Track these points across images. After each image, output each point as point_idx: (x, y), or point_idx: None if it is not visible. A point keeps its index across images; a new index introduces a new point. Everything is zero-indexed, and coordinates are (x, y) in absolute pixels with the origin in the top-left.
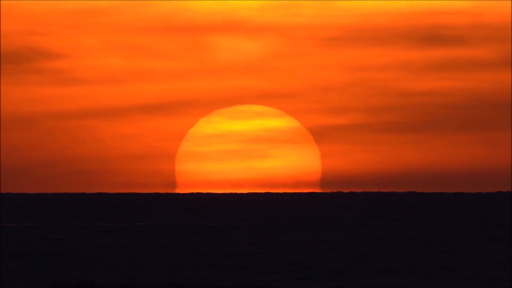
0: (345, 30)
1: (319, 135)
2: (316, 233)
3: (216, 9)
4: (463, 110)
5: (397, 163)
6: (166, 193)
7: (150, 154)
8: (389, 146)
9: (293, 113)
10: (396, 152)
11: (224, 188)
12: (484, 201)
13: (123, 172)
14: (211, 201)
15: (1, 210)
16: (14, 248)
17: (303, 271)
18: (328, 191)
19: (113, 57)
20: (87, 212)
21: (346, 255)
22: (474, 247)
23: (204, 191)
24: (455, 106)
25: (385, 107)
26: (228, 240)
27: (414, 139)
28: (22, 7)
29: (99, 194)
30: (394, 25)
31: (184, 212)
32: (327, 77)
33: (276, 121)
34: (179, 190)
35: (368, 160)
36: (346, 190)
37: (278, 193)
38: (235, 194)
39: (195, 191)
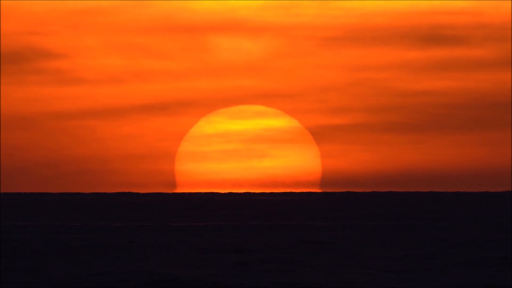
0: (345, 30)
1: (319, 135)
2: (316, 233)
3: (216, 9)
4: (463, 110)
5: (397, 163)
6: (166, 193)
7: (150, 154)
8: (389, 146)
9: (293, 113)
10: (396, 152)
11: (224, 188)
12: (484, 201)
13: (123, 172)
14: (211, 201)
15: (1, 210)
16: (14, 248)
17: (303, 271)
18: (328, 191)
19: (113, 57)
20: (87, 212)
21: (347, 255)
22: (474, 247)
23: (204, 191)
24: (455, 106)
25: (385, 107)
26: (228, 240)
27: (414, 139)
28: (22, 7)
29: (99, 194)
30: (394, 25)
31: (184, 212)
32: (327, 77)
33: (276, 121)
34: (179, 190)
35: (368, 160)
36: (346, 190)
37: (278, 193)
38: (235, 194)
39: (195, 191)
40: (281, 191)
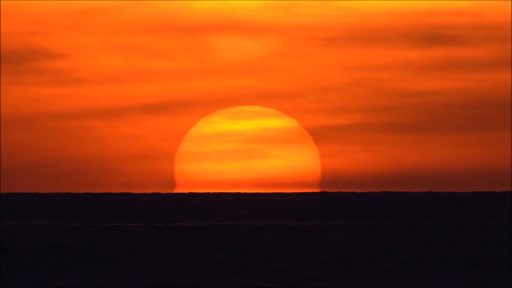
0: (345, 30)
1: (319, 135)
2: (316, 233)
3: (216, 9)
4: (463, 110)
5: (397, 163)
6: (166, 193)
7: (150, 154)
8: (389, 146)
9: (293, 113)
10: (396, 152)
11: (224, 188)
12: (484, 201)
13: (123, 172)
14: (211, 201)
15: (1, 210)
16: (14, 248)
17: (303, 271)
18: (328, 191)
19: (113, 57)
20: (87, 212)
21: (347, 255)
22: (474, 247)
23: (204, 191)
24: (455, 106)
25: (385, 107)
26: (228, 240)
27: (414, 139)
28: (22, 7)
29: (99, 194)
30: (394, 25)
31: (184, 212)
32: (327, 77)
33: (276, 121)
34: (178, 190)
35: (368, 160)
36: (346, 190)
37: (278, 193)
38: (235, 194)
39: (194, 191)
40: (281, 191)
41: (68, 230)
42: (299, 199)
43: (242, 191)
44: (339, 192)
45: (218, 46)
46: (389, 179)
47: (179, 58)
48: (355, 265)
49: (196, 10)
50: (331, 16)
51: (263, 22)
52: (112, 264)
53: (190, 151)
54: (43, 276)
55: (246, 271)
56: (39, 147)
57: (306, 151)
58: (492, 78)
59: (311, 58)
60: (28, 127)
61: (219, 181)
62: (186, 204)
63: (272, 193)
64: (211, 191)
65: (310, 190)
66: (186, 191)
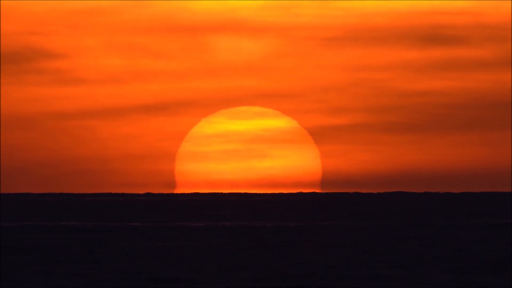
0: (345, 30)
1: (319, 135)
2: (317, 233)
3: (216, 9)
4: (463, 110)
5: (397, 163)
6: (166, 193)
7: (150, 154)
8: (389, 146)
9: (293, 113)
10: (396, 152)
11: (224, 188)
12: (484, 201)
13: (123, 172)
14: (211, 201)
15: (1, 210)
16: (14, 248)
17: (303, 271)
18: (329, 191)
19: (113, 57)
20: (87, 212)
21: (347, 255)
22: (474, 247)
23: (204, 191)
24: (455, 106)
25: (385, 107)
26: (228, 240)
27: (414, 139)
28: (22, 7)
29: (99, 194)
30: (394, 25)
31: (184, 212)
32: (327, 77)
33: (276, 121)
34: (178, 190)
35: (368, 160)
36: (346, 190)
37: (278, 193)
38: (235, 194)
39: (195, 191)
40: (281, 191)
41: (68, 230)
42: (300, 199)
43: (242, 191)
44: (339, 192)
45: (218, 46)
46: (389, 179)
47: (179, 58)
48: (355, 264)
49: (196, 10)
50: (331, 16)
51: (263, 22)
52: (112, 264)
53: (190, 151)
54: (43, 276)
55: (246, 271)
56: (39, 147)
57: (306, 151)
58: (492, 78)
59: (311, 58)
60: (28, 127)
61: (219, 181)
62: (186, 204)
63: (273, 193)
64: (211, 191)
65: (310, 190)
66: (186, 191)
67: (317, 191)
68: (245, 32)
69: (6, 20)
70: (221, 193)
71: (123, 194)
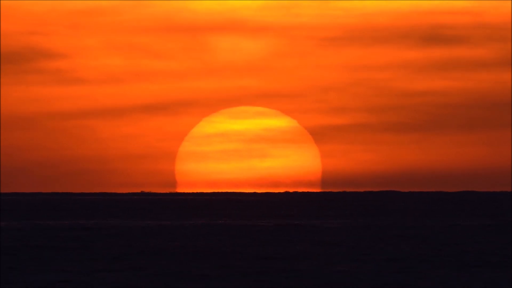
0: (345, 30)
1: (320, 135)
2: (317, 233)
3: (216, 9)
4: (463, 110)
5: (397, 163)
6: (166, 193)
7: (151, 154)
8: (389, 145)
9: (293, 113)
10: (396, 152)
11: (224, 188)
12: (484, 201)
13: (123, 172)
14: (211, 200)
15: (1, 210)
16: (14, 248)
17: (303, 271)
18: (329, 191)
19: (114, 57)
20: (87, 211)
21: (348, 255)
22: (474, 247)
23: (204, 191)
24: (456, 106)
25: (386, 107)
26: (228, 240)
27: (414, 139)
28: (22, 7)
29: (99, 194)
30: (395, 25)
31: (183, 212)
32: (328, 77)
33: (276, 121)
34: (179, 190)
35: (368, 160)
36: (347, 190)
37: (278, 193)
38: (235, 193)
39: (195, 191)
40: (282, 191)
41: (68, 230)
42: (300, 198)
43: (243, 190)
44: (339, 192)
45: (218, 46)
46: (389, 179)
47: (179, 58)
48: (356, 264)
49: (196, 10)
50: (331, 16)
51: (263, 22)
52: (112, 264)
53: (190, 151)
54: (43, 276)
55: (247, 270)
56: (39, 147)
57: (306, 151)
58: (492, 78)
59: (311, 58)
60: (28, 127)
61: (220, 181)
62: (186, 204)
63: (273, 193)
64: (212, 190)
65: (310, 190)
66: (187, 190)
67: (317, 190)
68: (245, 32)
69: (6, 20)
70: (222, 193)
71: (123, 194)
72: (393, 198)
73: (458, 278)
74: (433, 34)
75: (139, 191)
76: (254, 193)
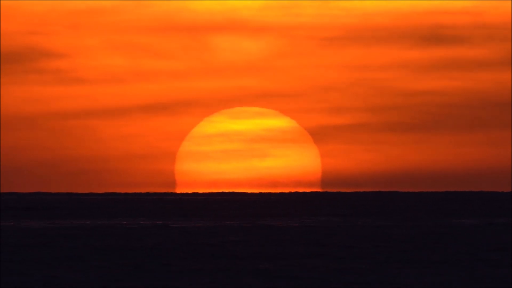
0: (346, 30)
1: (320, 135)
2: (317, 233)
3: (217, 9)
4: (464, 109)
5: (398, 163)
6: (165, 193)
7: (151, 154)
8: (390, 145)
9: (294, 112)
10: (397, 152)
11: (224, 188)
12: (484, 201)
13: (124, 172)
14: (210, 200)
15: (1, 210)
16: (14, 248)
17: (303, 271)
18: (329, 191)
19: (114, 56)
20: (87, 211)
21: (349, 255)
22: (474, 247)
23: (204, 191)
24: (456, 105)
25: (386, 106)
26: (228, 240)
27: (415, 139)
28: (22, 7)
29: (99, 194)
30: (395, 25)
31: (183, 211)
32: (328, 77)
33: (277, 121)
34: (178, 190)
35: (369, 160)
36: (347, 190)
37: (278, 192)
38: (236, 193)
39: (194, 191)
40: (282, 191)
41: (68, 230)
42: (300, 198)
43: (243, 190)
44: (339, 191)
45: (218, 46)
46: (389, 179)
47: (180, 58)
48: (357, 264)
49: (196, 10)
50: (331, 16)
51: (264, 22)
52: (111, 263)
53: (191, 151)
54: (43, 276)
55: (246, 271)
56: (40, 147)
57: (306, 150)
58: (492, 78)
59: (311, 58)
60: (29, 127)
61: (220, 181)
62: (186, 204)
63: (273, 193)
64: (212, 191)
65: (310, 190)
66: (186, 191)
67: (317, 190)
68: (246, 32)
69: (6, 20)
70: (222, 193)
71: (123, 194)
72: (393, 198)
73: (458, 278)
74: (433, 34)
75: (139, 191)
76: (254, 193)
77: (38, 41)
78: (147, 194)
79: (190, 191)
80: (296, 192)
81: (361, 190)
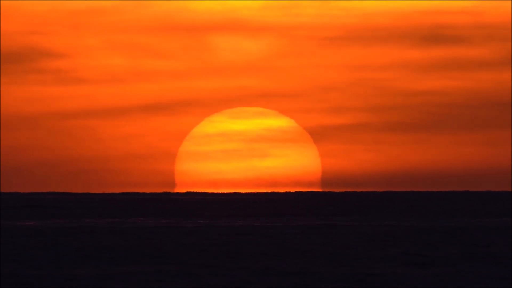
0: (346, 30)
1: (320, 134)
2: (317, 233)
3: (217, 8)
4: (464, 109)
5: (398, 163)
6: (164, 193)
7: (151, 154)
8: (390, 145)
9: (294, 112)
10: (397, 152)
11: (224, 188)
12: (484, 201)
13: (124, 172)
14: (210, 200)
15: (1, 210)
16: (15, 247)
17: (303, 271)
18: (329, 190)
19: (114, 56)
20: (87, 211)
21: (349, 254)
22: (474, 247)
23: (204, 191)
24: (457, 105)
25: (387, 106)
26: (228, 240)
27: (415, 139)
28: (22, 7)
29: (99, 194)
30: (395, 25)
31: (183, 211)
32: (329, 77)
33: (277, 121)
34: (178, 190)
35: (369, 160)
36: (347, 190)
37: (279, 192)
38: (235, 193)
39: (194, 191)
40: (282, 190)
41: (68, 230)
42: (300, 198)
43: (243, 190)
44: (339, 191)
45: (219, 46)
46: (390, 179)
47: (180, 58)
48: (358, 264)
49: (197, 10)
50: (332, 16)
51: (264, 22)
52: (111, 263)
53: (191, 151)
54: (43, 276)
55: (246, 270)
56: (40, 147)
57: (307, 150)
58: (493, 78)
59: (312, 58)
60: (29, 127)
61: (220, 181)
62: (185, 204)
63: (273, 193)
64: (212, 190)
65: (311, 190)
66: (186, 191)
67: (317, 190)
68: (246, 32)
69: (6, 20)
70: (222, 193)
71: (123, 194)
72: (393, 198)
73: (458, 277)
74: (433, 34)
75: (139, 191)
76: (254, 193)
77: (38, 41)
78: (147, 194)
79: (190, 191)
80: (296, 192)
81: (361, 190)
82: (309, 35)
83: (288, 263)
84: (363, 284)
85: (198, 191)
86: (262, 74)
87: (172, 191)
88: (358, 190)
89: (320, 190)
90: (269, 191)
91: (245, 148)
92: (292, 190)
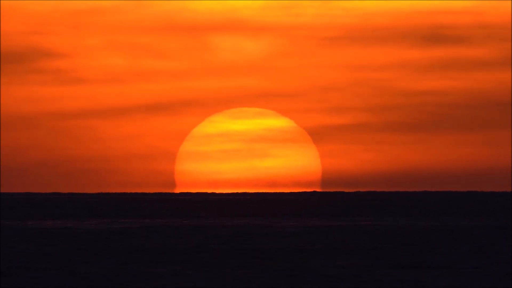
0: (346, 30)
1: (320, 134)
2: (317, 233)
3: (217, 9)
4: (464, 109)
5: (398, 163)
6: (164, 193)
7: (151, 154)
8: (390, 145)
9: (294, 112)
10: (397, 152)
11: (224, 188)
12: (484, 201)
13: (124, 172)
14: (210, 200)
15: (1, 210)
16: (14, 248)
17: (303, 271)
18: (329, 191)
19: (115, 56)
20: (87, 211)
21: (349, 254)
22: (473, 247)
23: (204, 191)
24: (457, 105)
25: (387, 106)
26: (228, 240)
27: (415, 139)
28: (22, 7)
29: (99, 194)
30: (396, 25)
31: (183, 211)
32: (329, 77)
33: (277, 121)
34: (178, 190)
35: (369, 160)
36: (347, 190)
37: (279, 192)
38: (235, 193)
39: (194, 191)
40: (282, 191)
41: (68, 230)
42: (300, 198)
43: (243, 190)
44: (339, 191)
45: (219, 46)
46: (390, 179)
47: (180, 58)
48: (359, 264)
49: (197, 10)
50: (332, 16)
51: (264, 22)
52: (111, 263)
53: (191, 151)
54: (43, 276)
55: (246, 270)
56: (40, 147)
57: (307, 150)
58: (493, 78)
59: (312, 58)
60: (29, 127)
61: (220, 181)
62: (185, 204)
63: (273, 193)
64: (212, 190)
65: (311, 190)
66: (186, 191)
67: (317, 190)
68: (246, 32)
69: (6, 20)
70: (221, 193)
71: (123, 194)
72: (393, 198)
73: (458, 278)
74: (433, 34)
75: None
76: (254, 193)
77: (38, 41)
78: (147, 194)
79: (190, 191)
80: (296, 192)
81: (361, 190)
82: (309, 35)
83: (288, 263)
84: (363, 284)
85: (198, 191)
86: (262, 74)
87: (172, 191)
88: (358, 190)
89: (320, 190)
90: (269, 191)
91: (245, 148)
92: (292, 190)
